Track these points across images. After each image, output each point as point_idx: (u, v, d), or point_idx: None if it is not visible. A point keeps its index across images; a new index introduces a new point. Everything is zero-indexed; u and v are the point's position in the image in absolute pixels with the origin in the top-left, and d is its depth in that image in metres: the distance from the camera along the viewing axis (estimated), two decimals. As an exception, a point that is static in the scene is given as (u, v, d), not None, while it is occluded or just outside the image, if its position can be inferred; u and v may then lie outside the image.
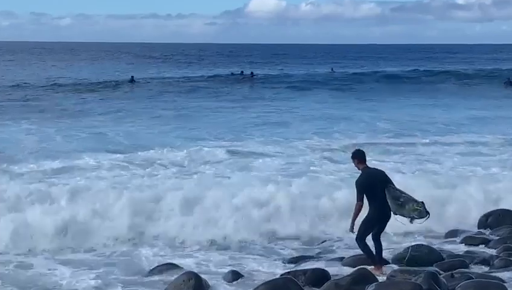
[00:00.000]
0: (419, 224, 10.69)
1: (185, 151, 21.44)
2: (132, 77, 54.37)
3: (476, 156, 21.65)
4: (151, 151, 21.51)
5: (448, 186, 15.75)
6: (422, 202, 10.35)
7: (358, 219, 10.62)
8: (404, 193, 10.40)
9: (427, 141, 24.36)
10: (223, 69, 73.35)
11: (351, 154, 10.94)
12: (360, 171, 10.68)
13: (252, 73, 59.31)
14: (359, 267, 10.54)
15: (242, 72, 60.63)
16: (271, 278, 10.25)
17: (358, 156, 10.69)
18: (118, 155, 20.87)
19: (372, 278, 9.83)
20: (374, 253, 10.72)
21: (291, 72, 66.08)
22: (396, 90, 44.88)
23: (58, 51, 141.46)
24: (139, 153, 21.27)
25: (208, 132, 26.39)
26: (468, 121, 30.34)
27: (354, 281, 9.73)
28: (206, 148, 22.00)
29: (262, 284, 9.97)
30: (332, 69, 66.08)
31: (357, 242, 10.70)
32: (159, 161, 20.07)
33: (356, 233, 10.67)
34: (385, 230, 11.07)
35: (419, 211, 10.25)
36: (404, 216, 10.42)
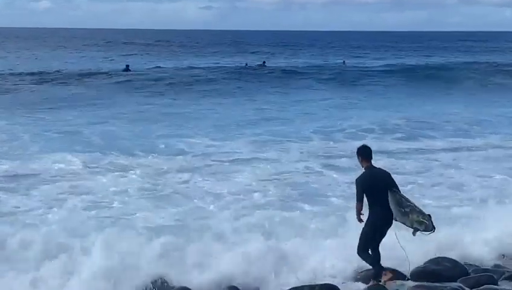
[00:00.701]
0: (424, 235, 10.61)
1: (152, 157, 20.99)
2: (127, 66, 54.68)
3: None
4: (122, 156, 21.00)
5: (475, 203, 15.51)
6: (429, 215, 10.41)
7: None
8: (410, 202, 10.45)
9: (446, 143, 24.07)
10: (229, 59, 73.38)
11: (356, 150, 10.89)
12: (363, 170, 10.67)
13: (264, 62, 60.06)
14: (372, 282, 10.57)
15: (246, 64, 60.32)
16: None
17: (363, 153, 10.67)
18: (86, 158, 20.42)
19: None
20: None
21: (300, 63, 65.71)
22: (415, 87, 43.74)
23: (36, 38, 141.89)
24: (108, 158, 20.77)
25: (196, 131, 25.97)
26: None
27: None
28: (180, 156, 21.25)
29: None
30: (344, 62, 65.64)
31: (359, 254, 10.70)
32: (113, 174, 18.77)
33: (357, 245, 10.69)
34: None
35: (425, 224, 10.33)
36: (405, 225, 10.48)
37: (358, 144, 11.15)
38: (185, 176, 18.54)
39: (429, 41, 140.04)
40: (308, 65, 61.97)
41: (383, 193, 10.35)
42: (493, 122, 29.20)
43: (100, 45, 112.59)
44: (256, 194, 16.64)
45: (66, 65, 60.68)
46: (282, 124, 28.22)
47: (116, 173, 18.58)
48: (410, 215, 10.31)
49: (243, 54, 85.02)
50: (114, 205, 15.56)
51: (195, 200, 16.13)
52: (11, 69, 54.49)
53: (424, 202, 14.03)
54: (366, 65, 62.60)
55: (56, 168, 19.10)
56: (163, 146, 22.80)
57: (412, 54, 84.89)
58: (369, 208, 10.47)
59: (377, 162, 11.22)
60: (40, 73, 51.09)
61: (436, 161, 21.05)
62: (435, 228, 10.37)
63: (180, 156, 20.92)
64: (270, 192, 16.88)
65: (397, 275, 10.92)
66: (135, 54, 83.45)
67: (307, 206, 15.53)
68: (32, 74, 50.50)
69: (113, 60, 71.85)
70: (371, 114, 30.44)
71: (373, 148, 10.87)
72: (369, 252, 10.64)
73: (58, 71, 52.83)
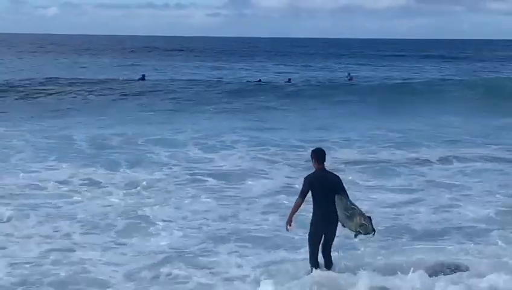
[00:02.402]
0: (363, 239, 10.99)
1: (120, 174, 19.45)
2: (143, 75, 53.53)
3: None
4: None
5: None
6: (369, 217, 10.64)
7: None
8: (354, 205, 10.64)
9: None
10: (243, 71, 69.86)
11: (310, 152, 11.14)
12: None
13: (289, 80, 53.62)
14: None
15: (259, 80, 55.07)
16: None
17: (318, 156, 10.92)
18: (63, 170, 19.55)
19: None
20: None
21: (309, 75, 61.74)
22: (428, 106, 36.98)
23: (47, 44, 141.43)
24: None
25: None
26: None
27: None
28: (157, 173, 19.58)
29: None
30: (349, 74, 60.87)
31: (310, 261, 10.91)
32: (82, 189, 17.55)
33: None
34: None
35: (365, 226, 10.54)
36: (350, 230, 10.71)
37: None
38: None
39: (442, 49, 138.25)
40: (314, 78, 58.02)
41: (330, 195, 10.60)
42: None
43: (114, 51, 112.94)
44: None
45: (81, 70, 60.91)
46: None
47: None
48: (354, 219, 10.53)
49: (255, 64, 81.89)
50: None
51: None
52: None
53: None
54: (373, 82, 55.17)
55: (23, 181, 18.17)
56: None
57: (423, 67, 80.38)
58: (313, 209, 10.74)
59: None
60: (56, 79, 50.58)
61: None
62: (375, 231, 10.64)
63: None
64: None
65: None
66: (149, 62, 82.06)
67: None
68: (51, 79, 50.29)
69: (131, 67, 70.79)
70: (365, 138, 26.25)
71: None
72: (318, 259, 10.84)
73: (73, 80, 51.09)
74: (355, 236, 10.76)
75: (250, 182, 18.46)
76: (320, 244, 10.87)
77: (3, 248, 12.67)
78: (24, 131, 26.80)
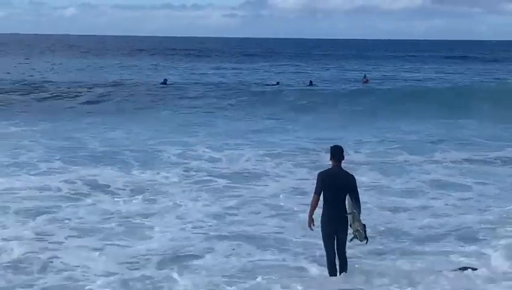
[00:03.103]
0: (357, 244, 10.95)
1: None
2: (165, 79, 51.92)
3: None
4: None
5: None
6: (364, 225, 10.59)
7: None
8: (356, 209, 10.48)
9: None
10: (261, 73, 68.38)
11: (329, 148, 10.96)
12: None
13: (311, 82, 52.41)
14: None
15: (278, 82, 53.40)
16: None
17: (332, 152, 10.76)
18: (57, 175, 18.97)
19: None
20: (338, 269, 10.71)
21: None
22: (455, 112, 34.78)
23: (67, 45, 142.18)
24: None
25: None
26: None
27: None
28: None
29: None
30: (365, 76, 59.67)
31: (327, 266, 10.79)
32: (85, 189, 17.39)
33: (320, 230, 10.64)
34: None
35: (359, 232, 10.54)
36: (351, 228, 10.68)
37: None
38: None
39: (458, 50, 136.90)
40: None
41: (340, 194, 10.45)
42: None
43: (132, 53, 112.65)
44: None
45: (110, 76, 59.26)
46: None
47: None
48: (353, 224, 10.50)
49: (273, 66, 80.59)
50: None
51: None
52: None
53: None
54: (389, 84, 54.01)
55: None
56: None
57: (444, 68, 79.19)
58: (322, 208, 10.52)
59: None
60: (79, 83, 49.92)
61: None
62: (367, 239, 10.66)
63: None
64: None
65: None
66: (168, 63, 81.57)
67: None
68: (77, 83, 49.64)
69: (154, 69, 69.90)
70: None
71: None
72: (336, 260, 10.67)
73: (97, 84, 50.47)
74: (351, 239, 10.63)
75: (257, 183, 18.26)
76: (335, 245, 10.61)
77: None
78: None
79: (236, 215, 15.19)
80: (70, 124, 29.90)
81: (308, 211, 10.54)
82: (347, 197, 10.43)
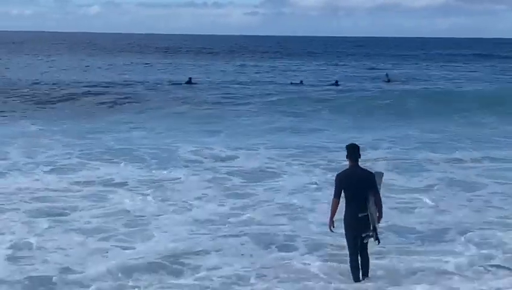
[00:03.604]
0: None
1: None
2: (190, 78, 51.13)
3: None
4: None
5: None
6: (375, 227, 10.44)
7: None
8: (372, 209, 10.37)
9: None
10: (285, 71, 67.38)
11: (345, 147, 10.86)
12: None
13: (337, 82, 51.76)
14: None
15: (301, 81, 52.80)
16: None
17: (348, 152, 10.64)
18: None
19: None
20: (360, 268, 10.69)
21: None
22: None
23: (92, 43, 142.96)
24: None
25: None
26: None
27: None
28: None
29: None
30: (387, 75, 59.13)
31: (350, 267, 10.74)
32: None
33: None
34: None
35: (372, 233, 10.43)
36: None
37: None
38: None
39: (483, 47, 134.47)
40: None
41: (360, 192, 10.34)
42: None
43: (156, 50, 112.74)
44: None
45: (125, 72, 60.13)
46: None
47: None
48: (371, 222, 10.41)
49: (296, 64, 79.95)
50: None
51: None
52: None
53: None
54: (410, 86, 52.18)
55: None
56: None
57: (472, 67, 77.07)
58: (345, 207, 10.45)
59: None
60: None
61: None
62: (379, 241, 10.54)
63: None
64: None
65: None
66: (191, 62, 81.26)
67: None
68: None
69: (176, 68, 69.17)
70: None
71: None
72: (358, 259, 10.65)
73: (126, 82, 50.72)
74: (364, 237, 10.46)
75: (271, 182, 18.16)
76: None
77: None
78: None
79: (247, 214, 15.08)
80: (92, 123, 29.86)
81: (329, 214, 10.46)
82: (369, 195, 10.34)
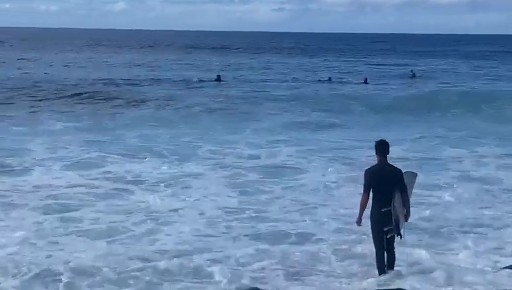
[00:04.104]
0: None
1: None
2: (218, 76, 50.51)
3: None
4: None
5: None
6: (397, 222, 10.39)
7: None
8: (397, 204, 10.37)
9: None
10: (314, 68, 66.30)
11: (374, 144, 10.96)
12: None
13: (366, 80, 50.93)
14: None
15: (329, 78, 52.50)
16: None
17: (377, 148, 10.70)
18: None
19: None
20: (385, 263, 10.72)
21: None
22: None
23: (118, 40, 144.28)
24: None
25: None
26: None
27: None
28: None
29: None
30: (412, 71, 58.82)
31: (376, 262, 10.78)
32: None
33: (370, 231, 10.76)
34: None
35: (395, 227, 10.40)
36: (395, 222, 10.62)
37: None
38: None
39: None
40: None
41: (387, 188, 10.37)
42: None
43: (181, 47, 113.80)
44: None
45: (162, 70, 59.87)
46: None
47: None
48: (394, 217, 10.39)
49: (324, 61, 79.55)
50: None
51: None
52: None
53: None
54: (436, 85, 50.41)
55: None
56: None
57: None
58: (372, 203, 10.51)
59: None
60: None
61: None
62: (401, 236, 10.51)
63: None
64: None
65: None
66: (218, 58, 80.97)
67: None
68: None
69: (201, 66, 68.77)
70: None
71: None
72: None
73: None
74: (388, 231, 10.46)
75: (290, 179, 18.13)
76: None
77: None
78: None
79: (263, 211, 15.04)
80: (117, 120, 29.82)
81: (358, 209, 10.56)
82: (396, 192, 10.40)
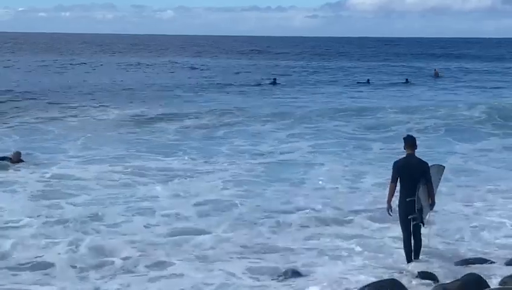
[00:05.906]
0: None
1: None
2: (274, 79, 49.76)
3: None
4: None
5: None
6: (420, 210, 10.62)
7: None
8: (420, 197, 10.58)
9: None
10: (352, 70, 65.30)
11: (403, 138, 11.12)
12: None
13: (407, 80, 51.41)
14: (469, 272, 10.12)
15: (368, 80, 51.43)
16: (376, 280, 10.02)
17: (405, 142, 10.87)
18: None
19: (483, 284, 9.49)
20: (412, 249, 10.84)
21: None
22: None
23: (175, 45, 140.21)
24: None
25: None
26: None
27: (463, 286, 9.37)
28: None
29: (367, 285, 9.79)
30: (435, 70, 59.87)
31: (404, 249, 10.99)
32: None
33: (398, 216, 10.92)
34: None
35: (419, 215, 10.62)
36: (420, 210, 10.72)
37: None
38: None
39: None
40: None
41: (413, 180, 10.56)
42: None
43: (231, 52, 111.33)
44: None
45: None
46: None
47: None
48: (417, 207, 10.61)
49: (361, 64, 77.44)
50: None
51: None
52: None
53: None
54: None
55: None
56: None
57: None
58: (399, 193, 10.71)
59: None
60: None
61: None
62: (423, 224, 10.74)
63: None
64: None
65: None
66: (270, 62, 79.08)
67: None
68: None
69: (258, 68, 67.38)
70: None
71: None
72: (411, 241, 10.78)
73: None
74: (413, 220, 10.72)
75: (304, 173, 18.74)
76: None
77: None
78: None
79: (290, 199, 15.53)
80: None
81: (386, 198, 10.76)
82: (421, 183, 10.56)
